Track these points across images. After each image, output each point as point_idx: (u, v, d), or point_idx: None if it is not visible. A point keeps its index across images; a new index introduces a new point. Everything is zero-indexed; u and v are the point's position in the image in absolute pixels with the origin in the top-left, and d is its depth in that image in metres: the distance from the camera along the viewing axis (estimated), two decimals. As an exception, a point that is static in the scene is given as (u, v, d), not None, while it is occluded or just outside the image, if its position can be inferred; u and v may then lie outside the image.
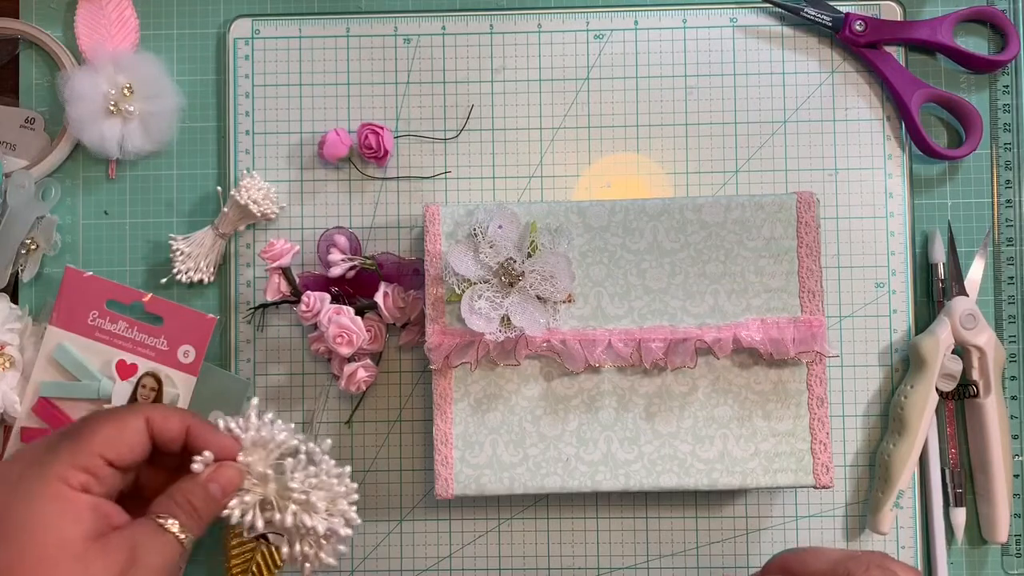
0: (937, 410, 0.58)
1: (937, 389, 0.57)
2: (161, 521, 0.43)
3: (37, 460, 0.42)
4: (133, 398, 0.58)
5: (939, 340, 0.57)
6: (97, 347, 0.59)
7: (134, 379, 0.58)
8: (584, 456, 0.54)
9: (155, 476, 0.47)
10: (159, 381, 0.58)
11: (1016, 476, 0.59)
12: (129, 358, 0.59)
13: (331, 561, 0.50)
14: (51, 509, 0.41)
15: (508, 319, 0.53)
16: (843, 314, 0.60)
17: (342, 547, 0.52)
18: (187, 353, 0.58)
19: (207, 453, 0.45)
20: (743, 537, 0.59)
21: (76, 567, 0.40)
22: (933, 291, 0.59)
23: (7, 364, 0.58)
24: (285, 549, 0.53)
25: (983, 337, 0.57)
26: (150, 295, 0.59)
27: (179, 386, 0.58)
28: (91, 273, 0.59)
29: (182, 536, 0.43)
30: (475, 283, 0.53)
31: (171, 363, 0.58)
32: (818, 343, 0.53)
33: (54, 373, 0.59)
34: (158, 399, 0.58)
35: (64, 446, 0.42)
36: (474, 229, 0.53)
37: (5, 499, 0.41)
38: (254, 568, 0.58)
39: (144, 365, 0.58)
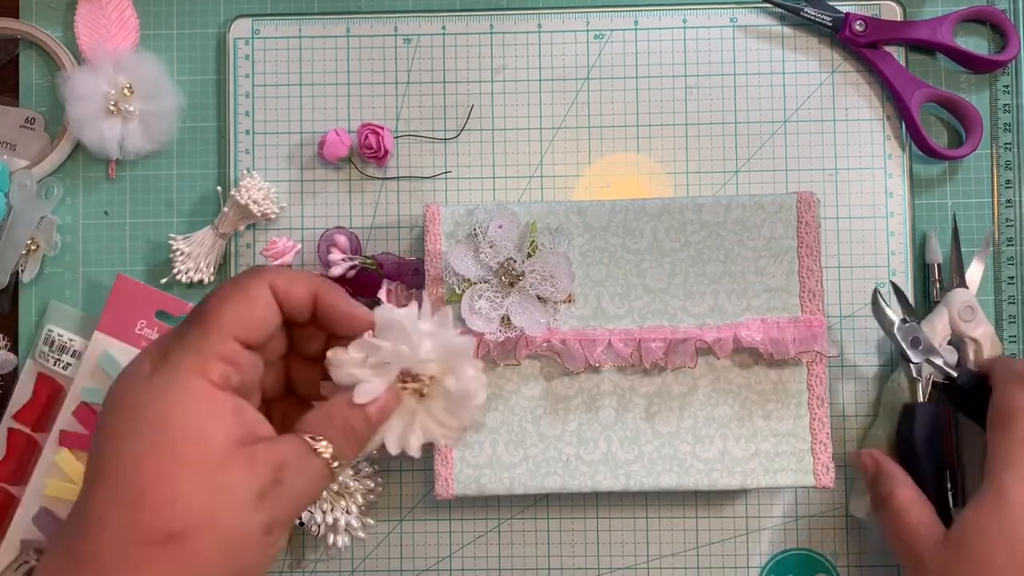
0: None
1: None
2: (312, 442, 0.37)
3: (166, 353, 0.36)
4: None
5: (936, 330, 0.57)
6: None
7: None
8: (584, 456, 0.54)
9: (301, 369, 0.41)
10: None
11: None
12: None
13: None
14: (189, 406, 0.35)
15: (508, 319, 0.53)
16: (843, 314, 0.60)
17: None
18: None
19: (360, 378, 0.38)
20: (743, 537, 0.59)
21: (215, 475, 0.34)
22: (930, 292, 0.59)
23: None
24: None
25: (980, 330, 0.57)
26: None
27: None
28: (142, 283, 0.60)
29: (334, 463, 0.37)
30: (475, 283, 0.53)
31: None
32: (818, 343, 0.53)
33: (99, 379, 0.59)
34: None
35: (192, 334, 0.36)
36: (474, 229, 0.53)
37: (138, 396, 0.35)
38: None
39: None
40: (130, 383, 0.36)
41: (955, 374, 0.56)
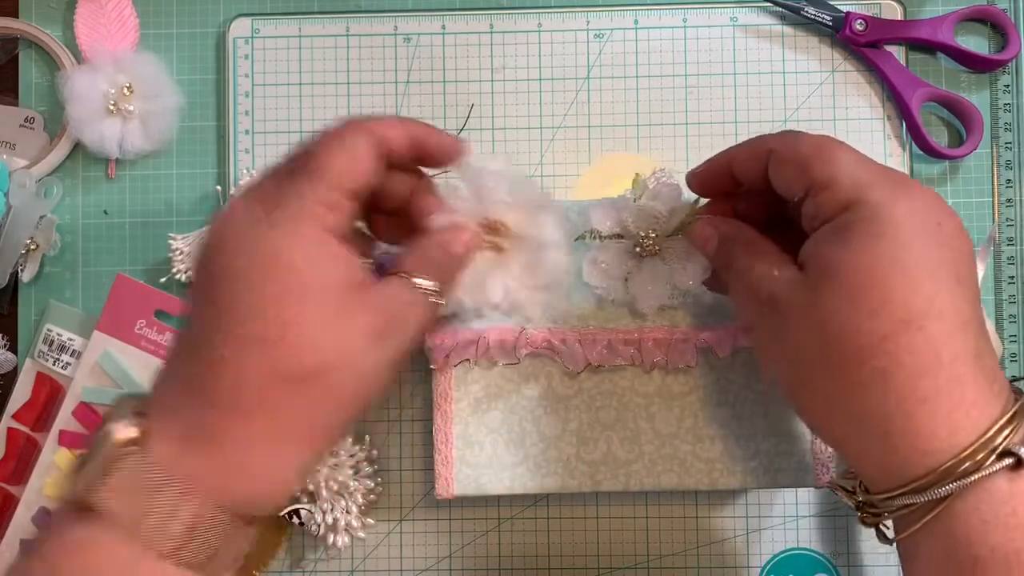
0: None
1: None
2: (412, 280, 0.40)
3: (278, 199, 0.37)
4: None
5: None
6: (142, 356, 0.59)
7: None
8: (584, 456, 0.54)
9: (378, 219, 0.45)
10: None
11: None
12: None
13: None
14: (311, 250, 0.37)
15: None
16: (843, 314, 0.60)
17: None
18: None
19: (441, 213, 0.43)
20: (743, 537, 0.59)
21: (342, 317, 0.37)
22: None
23: None
24: None
25: (979, 329, 0.57)
26: None
27: None
28: (142, 282, 0.60)
29: (432, 298, 0.40)
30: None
31: None
32: (819, 342, 0.53)
33: (98, 379, 0.59)
34: None
35: (303, 182, 0.38)
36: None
37: (256, 239, 0.36)
38: None
39: None
40: (245, 226, 0.37)
41: None
